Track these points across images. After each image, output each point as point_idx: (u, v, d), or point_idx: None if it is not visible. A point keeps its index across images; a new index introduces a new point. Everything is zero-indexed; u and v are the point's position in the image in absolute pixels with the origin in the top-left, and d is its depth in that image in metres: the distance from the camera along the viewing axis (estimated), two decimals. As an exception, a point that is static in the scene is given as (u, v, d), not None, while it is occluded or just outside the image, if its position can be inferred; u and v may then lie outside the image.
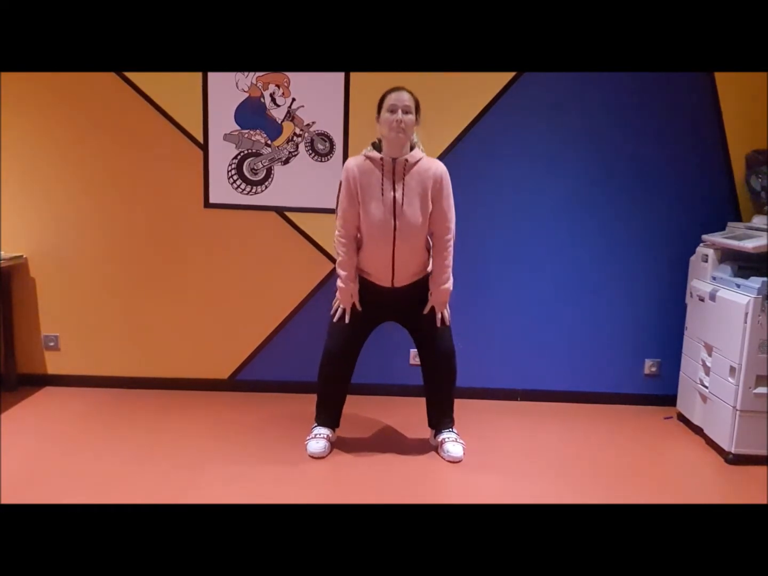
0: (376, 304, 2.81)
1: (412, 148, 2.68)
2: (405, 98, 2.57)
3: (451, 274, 2.77)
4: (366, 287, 2.79)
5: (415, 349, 3.63)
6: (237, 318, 3.57)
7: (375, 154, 2.64)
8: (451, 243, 2.75)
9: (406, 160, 2.62)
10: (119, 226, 3.47)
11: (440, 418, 2.94)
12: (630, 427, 3.36)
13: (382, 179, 2.62)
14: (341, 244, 2.74)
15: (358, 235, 2.75)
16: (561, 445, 3.10)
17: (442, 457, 2.86)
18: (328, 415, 2.94)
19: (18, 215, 3.45)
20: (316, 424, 2.95)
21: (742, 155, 3.39)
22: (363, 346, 2.89)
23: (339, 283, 2.77)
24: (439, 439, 2.91)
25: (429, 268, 2.80)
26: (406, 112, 2.56)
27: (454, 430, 2.95)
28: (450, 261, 2.75)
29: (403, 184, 2.62)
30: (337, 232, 2.75)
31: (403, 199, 2.61)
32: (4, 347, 3.49)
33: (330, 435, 2.91)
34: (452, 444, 2.86)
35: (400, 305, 2.82)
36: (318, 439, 2.86)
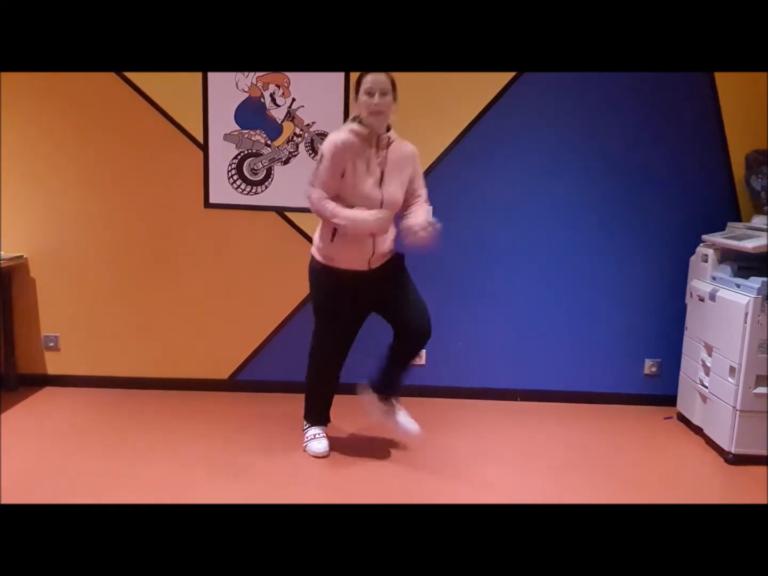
0: (356, 296, 2.74)
1: (388, 129, 2.68)
2: (382, 80, 2.55)
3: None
4: (342, 280, 2.71)
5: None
6: (237, 318, 3.57)
7: (362, 129, 2.61)
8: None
9: (388, 137, 2.65)
10: (119, 226, 3.48)
11: (395, 387, 2.86)
12: (630, 427, 3.36)
13: (367, 153, 2.61)
14: (328, 200, 2.59)
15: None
16: (561, 445, 3.10)
17: (394, 428, 2.85)
18: (321, 414, 2.95)
19: (18, 215, 3.45)
20: (308, 425, 2.95)
21: (742, 155, 3.39)
22: (352, 344, 2.85)
23: (360, 219, 2.54)
24: (397, 407, 2.85)
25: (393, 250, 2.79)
26: (383, 94, 2.55)
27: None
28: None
29: (387, 160, 2.64)
30: (317, 195, 2.61)
31: (390, 171, 2.63)
32: (4, 347, 3.49)
33: (325, 432, 2.93)
34: (409, 420, 2.85)
35: (376, 289, 2.75)
36: (319, 439, 2.88)
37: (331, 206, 2.59)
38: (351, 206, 2.61)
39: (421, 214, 2.63)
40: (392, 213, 2.69)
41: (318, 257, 2.73)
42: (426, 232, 2.52)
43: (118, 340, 3.57)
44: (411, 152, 2.72)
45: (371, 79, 2.54)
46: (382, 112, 2.56)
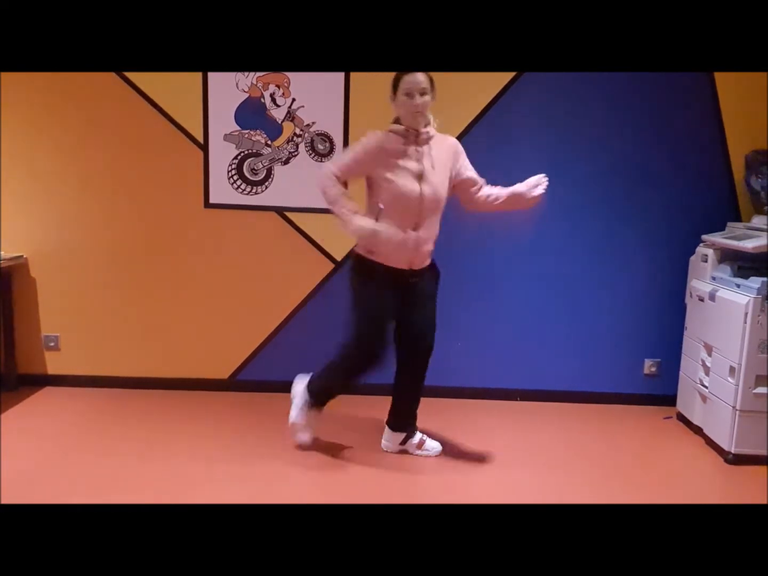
0: (394, 297, 2.71)
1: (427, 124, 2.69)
2: (420, 80, 2.54)
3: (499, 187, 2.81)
4: (381, 277, 2.67)
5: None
6: (237, 318, 3.57)
7: (400, 127, 2.62)
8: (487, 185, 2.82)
9: (427, 133, 2.64)
10: (119, 226, 3.48)
11: (412, 420, 2.94)
12: (630, 427, 3.35)
13: (408, 150, 2.61)
14: (337, 183, 2.62)
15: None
16: (561, 445, 3.10)
17: (421, 455, 2.90)
18: (325, 402, 2.89)
19: (18, 215, 3.45)
20: (310, 403, 2.86)
21: (742, 155, 3.39)
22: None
23: (350, 218, 2.55)
24: (416, 441, 2.91)
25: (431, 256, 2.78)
26: (422, 94, 2.55)
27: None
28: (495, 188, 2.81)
29: (430, 154, 2.64)
30: (329, 169, 2.64)
31: (432, 167, 2.63)
32: (4, 347, 3.49)
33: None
34: (430, 441, 2.95)
35: (412, 294, 2.73)
36: (306, 431, 2.89)
37: (336, 190, 2.61)
38: (393, 206, 2.60)
39: (510, 188, 2.75)
40: (439, 207, 2.67)
41: (358, 249, 2.70)
42: (541, 188, 2.71)
43: (118, 340, 3.57)
44: (452, 145, 2.74)
45: (410, 80, 2.53)
46: (421, 112, 2.57)
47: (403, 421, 2.93)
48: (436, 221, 2.71)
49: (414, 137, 2.62)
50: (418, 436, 2.93)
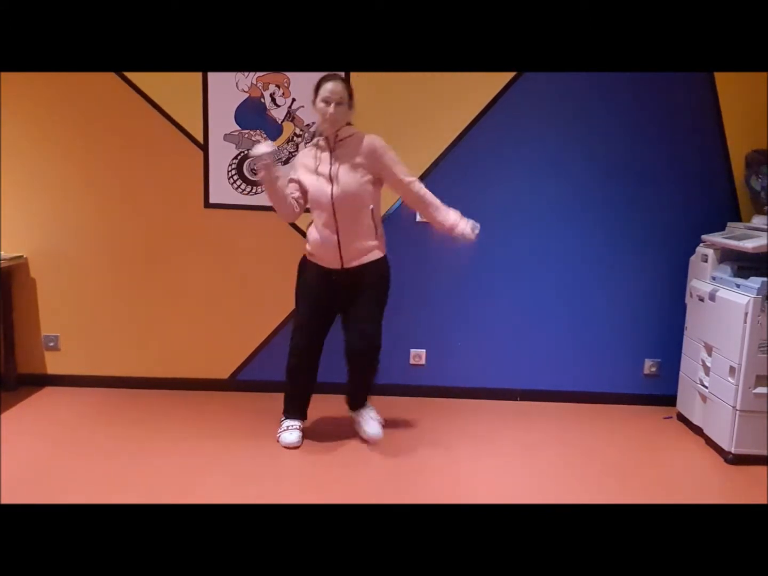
0: (328, 294, 2.88)
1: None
2: (338, 90, 2.68)
3: (446, 207, 2.85)
4: (318, 274, 2.87)
5: (416, 350, 3.64)
6: (237, 318, 3.57)
7: (316, 139, 2.85)
8: (421, 186, 2.83)
9: (336, 135, 2.75)
10: (119, 226, 3.48)
11: (358, 399, 3.09)
12: (630, 427, 3.36)
13: (322, 155, 2.77)
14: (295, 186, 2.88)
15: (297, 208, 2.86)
16: (560, 445, 3.10)
17: (361, 434, 3.03)
18: (296, 408, 3.01)
19: (18, 215, 3.45)
20: (284, 418, 3.02)
21: (742, 155, 3.39)
22: (324, 340, 2.96)
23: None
24: (365, 414, 3.06)
25: (378, 253, 2.85)
26: (338, 103, 2.68)
27: (370, 407, 3.11)
28: (434, 198, 2.84)
29: (337, 155, 2.76)
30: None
31: (338, 167, 2.74)
32: (4, 347, 3.49)
33: (300, 426, 3.00)
34: (372, 427, 3.01)
35: (347, 294, 2.86)
36: (291, 431, 2.94)
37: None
38: (313, 207, 2.82)
39: (450, 215, 2.83)
40: (353, 205, 2.75)
41: (306, 251, 2.92)
42: (468, 237, 2.83)
43: (118, 340, 3.57)
44: (368, 144, 2.76)
45: (329, 87, 2.68)
46: (334, 120, 2.70)
47: (357, 403, 3.11)
48: (360, 220, 2.78)
49: (326, 142, 2.76)
50: (362, 412, 3.07)
